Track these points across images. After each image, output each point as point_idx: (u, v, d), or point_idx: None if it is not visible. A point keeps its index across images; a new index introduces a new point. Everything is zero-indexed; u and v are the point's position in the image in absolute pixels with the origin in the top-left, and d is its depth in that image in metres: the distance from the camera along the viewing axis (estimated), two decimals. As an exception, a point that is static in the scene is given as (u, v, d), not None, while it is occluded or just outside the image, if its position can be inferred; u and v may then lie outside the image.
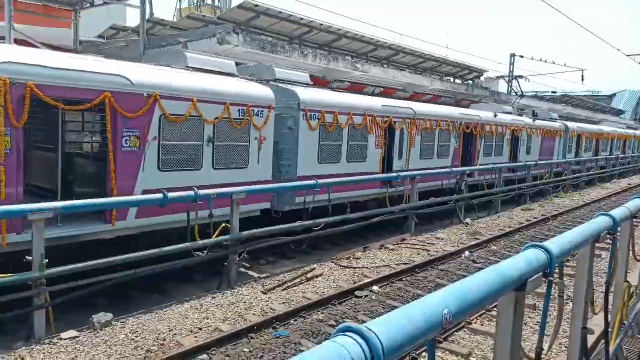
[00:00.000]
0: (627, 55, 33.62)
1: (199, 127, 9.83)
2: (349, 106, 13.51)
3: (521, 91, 30.96)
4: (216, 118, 10.05)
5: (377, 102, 15.00)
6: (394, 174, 14.14)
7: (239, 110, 10.53)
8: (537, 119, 25.40)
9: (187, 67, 10.86)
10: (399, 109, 15.40)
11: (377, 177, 14.02)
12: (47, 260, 6.82)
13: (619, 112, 57.35)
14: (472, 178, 18.45)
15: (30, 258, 6.76)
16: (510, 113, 23.69)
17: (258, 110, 10.91)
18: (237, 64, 12.51)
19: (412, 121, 15.69)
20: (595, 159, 31.00)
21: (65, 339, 6.66)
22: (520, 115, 24.71)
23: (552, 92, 48.12)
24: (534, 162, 22.38)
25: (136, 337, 6.88)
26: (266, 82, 12.23)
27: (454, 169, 16.77)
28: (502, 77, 31.53)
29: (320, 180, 11.31)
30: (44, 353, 6.30)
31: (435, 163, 16.94)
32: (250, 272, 10.55)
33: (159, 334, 7.01)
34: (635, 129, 47.99)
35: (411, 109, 15.87)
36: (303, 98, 12.13)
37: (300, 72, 14.13)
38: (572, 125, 29.26)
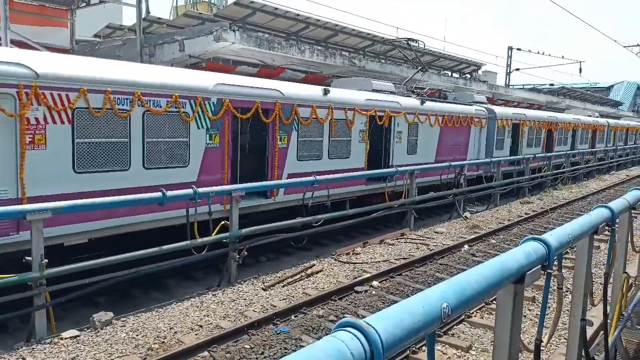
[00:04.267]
0: (624, 47, 33.70)
1: None
2: None
3: (422, 64, 20.17)
4: None
5: None
6: None
7: None
8: (435, 101, 17.74)
9: None
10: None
11: None
12: (46, 261, 6.83)
13: (617, 104, 57.42)
14: (269, 200, 11.41)
15: (29, 259, 6.78)
16: (393, 92, 16.12)
17: None
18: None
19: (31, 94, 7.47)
20: (547, 157, 23.97)
21: (66, 339, 6.68)
22: (409, 96, 16.79)
23: (550, 84, 48.18)
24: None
25: (137, 335, 6.90)
26: None
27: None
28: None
29: None
30: (45, 353, 6.32)
31: (135, 181, 8.85)
32: (251, 269, 10.58)
33: (160, 332, 7.02)
34: (617, 118, 44.88)
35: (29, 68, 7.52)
36: None
37: None
38: (502, 110, 21.72)
